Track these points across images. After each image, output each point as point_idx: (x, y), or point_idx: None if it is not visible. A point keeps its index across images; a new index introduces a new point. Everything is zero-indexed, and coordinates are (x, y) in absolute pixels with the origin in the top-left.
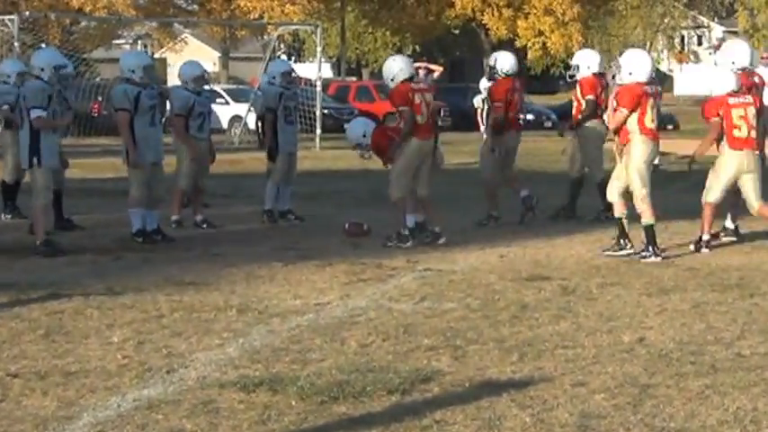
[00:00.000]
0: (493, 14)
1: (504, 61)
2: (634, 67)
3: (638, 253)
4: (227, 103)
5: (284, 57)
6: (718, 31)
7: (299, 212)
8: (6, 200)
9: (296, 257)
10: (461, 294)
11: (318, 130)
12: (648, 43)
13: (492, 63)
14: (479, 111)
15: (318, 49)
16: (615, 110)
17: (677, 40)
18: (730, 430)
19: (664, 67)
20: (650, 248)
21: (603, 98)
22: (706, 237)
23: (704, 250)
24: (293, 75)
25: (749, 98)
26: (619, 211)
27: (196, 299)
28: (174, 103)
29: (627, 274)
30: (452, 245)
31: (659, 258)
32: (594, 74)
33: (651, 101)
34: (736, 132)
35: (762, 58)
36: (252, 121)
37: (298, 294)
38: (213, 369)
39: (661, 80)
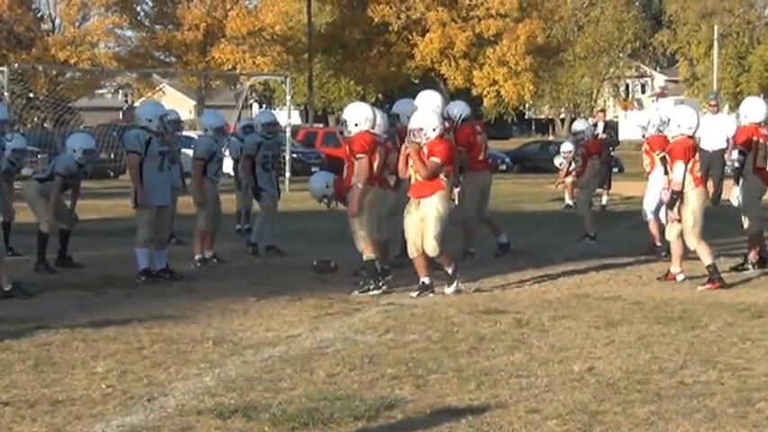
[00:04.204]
0: (450, 65)
1: (457, 108)
2: (683, 119)
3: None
4: None
5: (256, 105)
6: (660, 80)
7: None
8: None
9: (268, 292)
10: (422, 327)
11: (288, 173)
12: (595, 91)
13: (446, 114)
14: None
15: (288, 97)
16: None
17: (622, 89)
18: None
19: (609, 114)
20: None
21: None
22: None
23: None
24: (275, 125)
25: None
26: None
27: (175, 331)
28: (198, 148)
29: (577, 307)
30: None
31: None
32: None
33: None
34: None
35: (710, 105)
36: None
37: (270, 327)
38: (191, 397)
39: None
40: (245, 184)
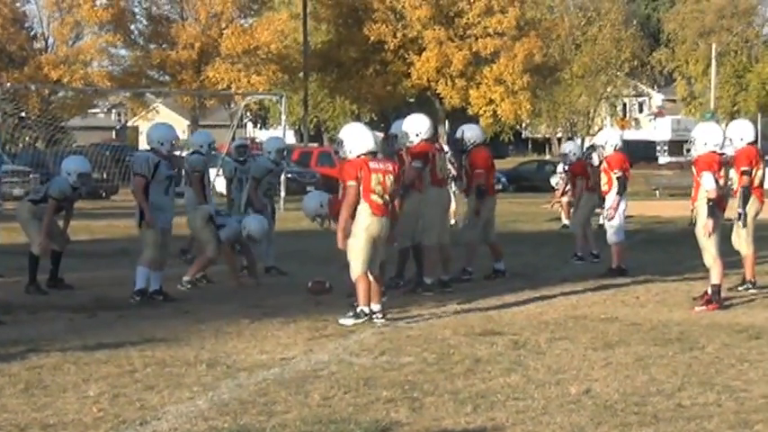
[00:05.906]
0: (447, 84)
1: (472, 133)
2: (709, 137)
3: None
4: None
5: (250, 124)
6: (657, 99)
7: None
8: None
9: (262, 314)
10: (418, 349)
11: (282, 193)
12: (592, 110)
13: (459, 135)
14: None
15: (283, 117)
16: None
17: (619, 108)
18: None
19: None
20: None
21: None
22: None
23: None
24: (285, 150)
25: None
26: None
27: (167, 354)
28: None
29: (574, 329)
30: (410, 302)
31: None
32: (426, 140)
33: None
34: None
35: None
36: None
37: (264, 349)
38: (184, 421)
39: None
40: (238, 203)
